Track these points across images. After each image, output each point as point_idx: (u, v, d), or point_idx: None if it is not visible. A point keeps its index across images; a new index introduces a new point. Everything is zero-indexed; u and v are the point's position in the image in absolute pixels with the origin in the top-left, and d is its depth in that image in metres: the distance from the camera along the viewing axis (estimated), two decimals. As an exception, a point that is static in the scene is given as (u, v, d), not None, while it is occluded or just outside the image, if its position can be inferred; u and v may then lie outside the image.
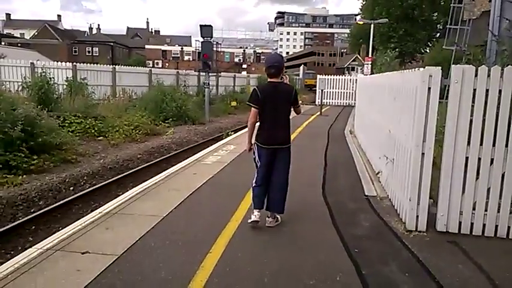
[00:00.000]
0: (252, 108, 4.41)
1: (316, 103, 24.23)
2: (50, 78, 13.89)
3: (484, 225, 4.30)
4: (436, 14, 36.40)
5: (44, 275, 3.42)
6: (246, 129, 4.56)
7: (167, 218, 4.81)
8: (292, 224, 4.65)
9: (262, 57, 66.62)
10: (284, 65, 4.60)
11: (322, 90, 21.50)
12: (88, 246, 3.97)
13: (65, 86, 15.93)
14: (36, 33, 68.03)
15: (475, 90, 4.12)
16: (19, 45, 48.27)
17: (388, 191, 5.72)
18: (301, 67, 62.79)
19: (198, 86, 25.14)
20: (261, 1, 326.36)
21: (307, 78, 53.82)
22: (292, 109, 4.65)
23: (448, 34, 16.89)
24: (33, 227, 6.56)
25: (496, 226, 4.28)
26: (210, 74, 19.56)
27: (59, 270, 3.52)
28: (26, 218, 6.70)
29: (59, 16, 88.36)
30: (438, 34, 35.73)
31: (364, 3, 40.31)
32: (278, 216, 4.66)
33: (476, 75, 4.11)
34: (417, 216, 4.42)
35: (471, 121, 4.17)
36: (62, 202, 7.49)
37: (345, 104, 25.00)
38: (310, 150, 9.48)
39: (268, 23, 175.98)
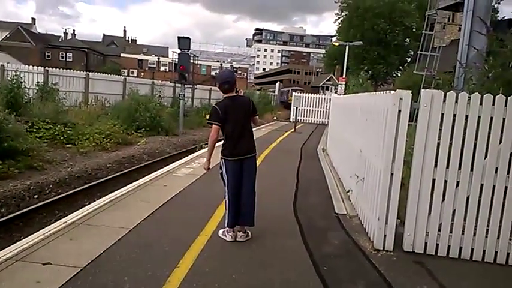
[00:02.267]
0: (213, 126, 4.42)
1: (291, 120, 24.47)
2: (21, 82, 13.50)
3: (449, 246, 4.40)
4: (408, 39, 37.73)
5: (2, 286, 3.27)
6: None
7: (135, 230, 4.71)
8: (262, 240, 4.63)
9: (238, 71, 66.97)
10: (236, 79, 4.68)
11: (296, 108, 21.77)
12: (50, 257, 3.83)
13: (35, 91, 15.53)
14: (8, 35, 66.18)
15: (443, 114, 4.27)
16: (-11, 46, 46.88)
17: (358, 209, 5.80)
18: (277, 84, 63.41)
19: (174, 97, 24.99)
20: (241, 17, 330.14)
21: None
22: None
23: (419, 60, 17.49)
24: (-7, 236, 6.29)
25: (460, 248, 4.38)
26: (186, 86, 19.49)
27: (18, 281, 3.38)
28: (-15, 226, 6.43)
29: (33, 19, 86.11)
30: (410, 59, 37.03)
31: (340, 25, 41.35)
32: (248, 231, 4.65)
33: (444, 100, 4.25)
34: (385, 236, 4.48)
35: (438, 144, 4.30)
36: (25, 210, 7.23)
37: (318, 122, 25.34)
38: (283, 167, 9.53)
39: (246, 39, 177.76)
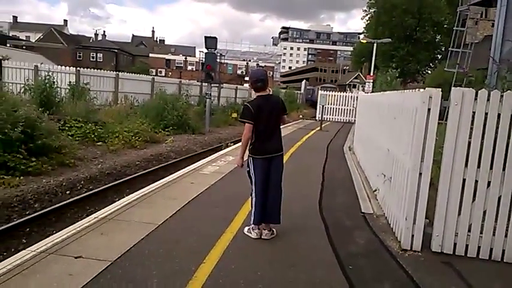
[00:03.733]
0: (247, 124, 4.43)
1: (317, 118, 24.32)
2: (53, 81, 13.95)
3: (479, 247, 4.29)
4: (439, 36, 36.79)
5: (36, 278, 3.41)
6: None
7: (162, 226, 4.81)
8: (287, 238, 4.64)
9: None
10: (268, 78, 4.70)
11: (322, 106, 21.59)
12: (82, 250, 3.96)
13: (67, 90, 16.01)
14: (41, 37, 68.44)
15: (474, 113, 4.16)
16: (24, 47, 48.56)
17: (385, 209, 5.72)
18: (303, 82, 63.03)
19: (200, 96, 25.23)
20: (268, 16, 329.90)
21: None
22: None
23: (450, 56, 17.05)
24: (28, 229, 6.53)
25: (491, 249, 4.27)
26: (212, 84, 19.65)
27: (51, 273, 3.51)
28: (20, 220, 6.68)
29: (65, 21, 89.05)
30: (440, 56, 36.11)
31: (368, 22, 40.75)
32: (274, 229, 4.67)
33: (475, 98, 4.15)
34: (412, 236, 4.41)
35: (469, 143, 4.19)
36: (57, 205, 7.46)
37: (345, 121, 25.07)
38: (309, 165, 9.49)
39: (272, 38, 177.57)
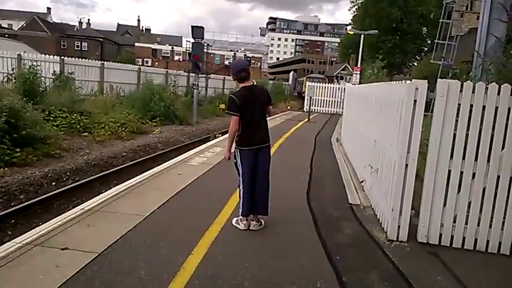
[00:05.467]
0: (233, 116, 4.41)
1: (304, 110, 24.35)
2: (38, 72, 13.67)
3: (464, 238, 4.37)
4: (425, 28, 37.02)
5: (22, 270, 3.37)
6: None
7: (150, 217, 4.79)
8: (275, 229, 4.66)
9: (252, 61, 66.58)
10: (250, 69, 4.70)
11: (310, 98, 21.60)
12: (68, 242, 3.92)
13: (51, 80, 15.72)
14: (24, 25, 66.95)
15: (459, 105, 4.21)
16: (6, 36, 47.43)
17: (372, 200, 5.78)
18: (291, 74, 62.94)
19: (187, 86, 25.03)
20: (256, 6, 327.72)
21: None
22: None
23: (436, 48, 17.16)
24: (13, 221, 6.45)
25: (476, 239, 4.35)
26: (199, 75, 19.50)
27: (37, 265, 3.47)
28: (5, 212, 6.59)
29: (48, 9, 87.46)
30: (426, 48, 36.37)
31: (355, 14, 40.76)
32: (262, 220, 4.68)
33: (461, 90, 4.19)
34: (399, 226, 4.47)
35: (455, 135, 4.25)
36: (43, 197, 7.38)
37: (332, 112, 25.15)
38: (297, 156, 9.52)
39: (260, 28, 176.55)
